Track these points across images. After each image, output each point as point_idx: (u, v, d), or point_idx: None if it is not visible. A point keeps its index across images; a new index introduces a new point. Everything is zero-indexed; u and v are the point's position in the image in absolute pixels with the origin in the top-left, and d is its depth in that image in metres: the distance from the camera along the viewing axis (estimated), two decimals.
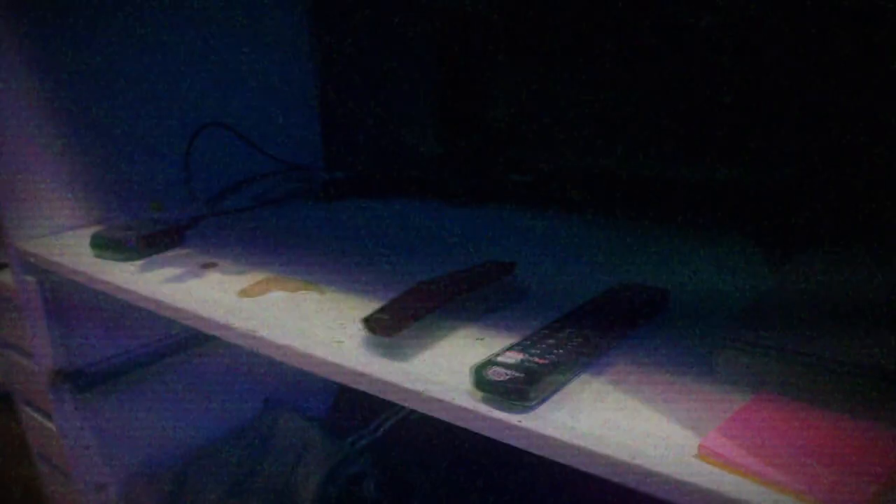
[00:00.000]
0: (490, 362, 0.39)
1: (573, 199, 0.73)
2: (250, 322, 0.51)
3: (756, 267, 0.56)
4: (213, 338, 0.53)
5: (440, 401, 0.39)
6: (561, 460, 0.35)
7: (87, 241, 0.70)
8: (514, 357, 0.39)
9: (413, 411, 0.41)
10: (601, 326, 0.44)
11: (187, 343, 0.88)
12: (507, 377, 0.37)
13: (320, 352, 0.46)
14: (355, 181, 0.89)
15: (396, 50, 0.92)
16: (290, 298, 0.55)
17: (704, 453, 0.32)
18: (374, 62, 0.94)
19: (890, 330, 0.37)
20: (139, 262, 0.67)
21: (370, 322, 0.45)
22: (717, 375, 0.38)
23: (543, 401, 0.38)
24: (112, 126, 0.81)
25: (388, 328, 0.44)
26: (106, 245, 0.68)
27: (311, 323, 0.50)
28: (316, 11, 0.98)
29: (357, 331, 0.48)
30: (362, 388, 0.43)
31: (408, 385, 0.41)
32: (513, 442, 0.37)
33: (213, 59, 0.88)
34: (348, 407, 1.02)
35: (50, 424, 0.91)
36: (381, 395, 0.42)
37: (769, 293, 0.45)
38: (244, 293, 0.57)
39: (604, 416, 0.36)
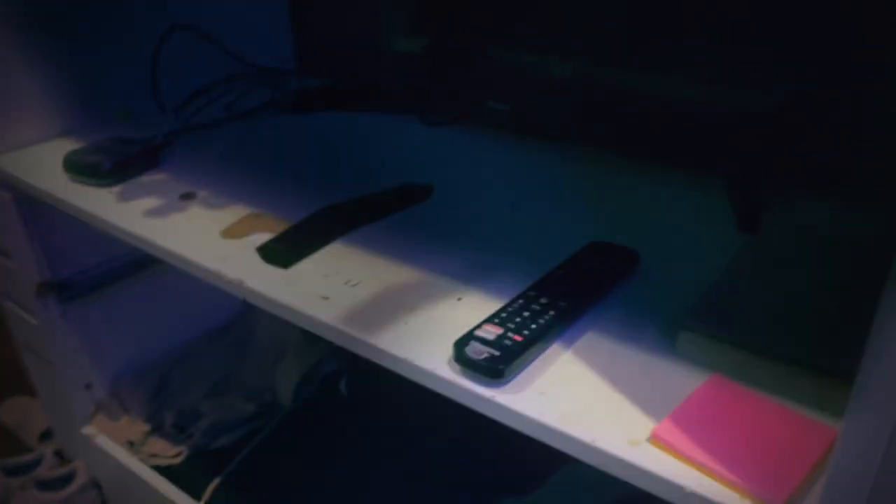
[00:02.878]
0: (470, 336, 0.43)
1: (552, 131, 0.74)
2: (237, 271, 0.53)
3: (727, 225, 0.58)
4: None
5: (423, 371, 0.43)
6: (529, 434, 0.39)
7: (59, 158, 0.70)
8: (492, 332, 0.43)
9: None
10: (573, 294, 0.47)
11: None
12: (485, 355, 0.41)
13: (308, 309, 0.49)
14: (328, 91, 0.87)
15: None
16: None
17: (655, 440, 0.36)
18: None
19: (829, 328, 0.40)
20: (116, 189, 0.67)
21: (265, 251, 0.46)
22: (678, 353, 0.42)
23: (517, 374, 0.42)
24: (76, 30, 0.77)
25: (283, 258, 0.46)
26: (80, 169, 0.68)
27: (296, 270, 0.53)
28: None
29: (342, 285, 0.51)
30: (349, 347, 0.47)
31: (394, 352, 0.44)
32: (487, 413, 0.41)
33: None
34: None
35: (35, 321, 0.93)
36: (369, 357, 0.46)
37: (732, 271, 0.48)
38: (227, 233, 0.59)
39: (571, 392, 0.40)
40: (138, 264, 0.86)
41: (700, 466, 0.35)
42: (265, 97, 0.87)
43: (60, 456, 1.18)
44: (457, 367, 0.42)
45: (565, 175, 0.68)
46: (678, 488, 0.34)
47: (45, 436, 1.25)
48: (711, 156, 0.67)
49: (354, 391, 0.91)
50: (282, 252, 0.46)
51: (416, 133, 0.78)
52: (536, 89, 0.77)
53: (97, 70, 0.80)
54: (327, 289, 0.51)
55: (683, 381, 0.40)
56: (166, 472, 0.80)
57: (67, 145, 0.76)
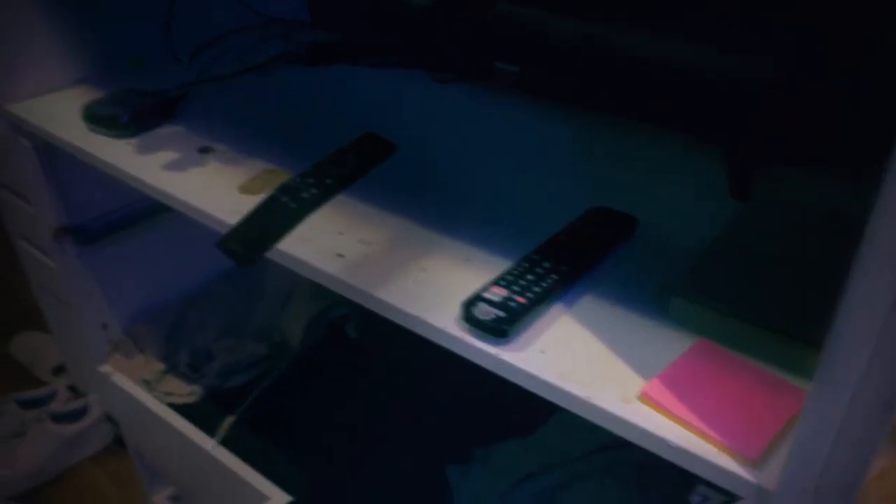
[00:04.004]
0: (478, 298, 0.46)
1: (558, 95, 0.76)
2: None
3: (725, 193, 0.61)
4: None
5: (434, 328, 0.46)
6: (531, 390, 0.43)
7: (76, 107, 0.72)
8: (498, 294, 0.46)
9: None
10: (574, 258, 0.50)
11: None
12: (492, 316, 0.44)
13: (324, 265, 0.52)
14: (341, 46, 0.88)
15: None
16: None
17: (645, 398, 0.40)
18: None
19: (808, 298, 0.44)
20: (134, 141, 0.69)
21: (226, 252, 0.49)
22: (669, 318, 0.46)
23: (521, 333, 0.45)
24: None
25: (244, 260, 0.48)
26: (99, 121, 0.70)
27: (313, 228, 0.56)
28: None
29: (356, 243, 0.54)
30: (364, 303, 0.50)
31: (408, 310, 0.47)
32: (492, 369, 0.44)
33: None
34: None
35: (51, 263, 0.97)
36: (383, 314, 0.49)
37: (723, 240, 0.51)
38: (244, 189, 0.61)
39: (569, 351, 0.44)
40: (153, 210, 0.88)
41: (684, 423, 0.38)
42: (277, 49, 0.88)
43: (73, 390, 1.23)
44: (464, 325, 0.46)
45: (569, 138, 0.70)
46: (663, 442, 0.38)
47: (58, 370, 1.30)
48: (711, 123, 0.69)
49: (361, 334, 0.95)
50: (241, 255, 0.48)
51: (424, 90, 0.80)
52: (543, 52, 0.78)
53: (110, 18, 0.81)
54: (342, 246, 0.54)
55: (673, 344, 0.44)
56: (181, 409, 0.84)
57: (83, 94, 0.77)
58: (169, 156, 0.66)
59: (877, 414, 0.29)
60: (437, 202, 0.59)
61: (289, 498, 0.74)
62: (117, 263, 0.89)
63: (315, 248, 0.53)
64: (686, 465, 0.38)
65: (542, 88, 0.78)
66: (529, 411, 0.79)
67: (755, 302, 0.44)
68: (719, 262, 0.49)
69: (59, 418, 1.19)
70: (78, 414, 1.20)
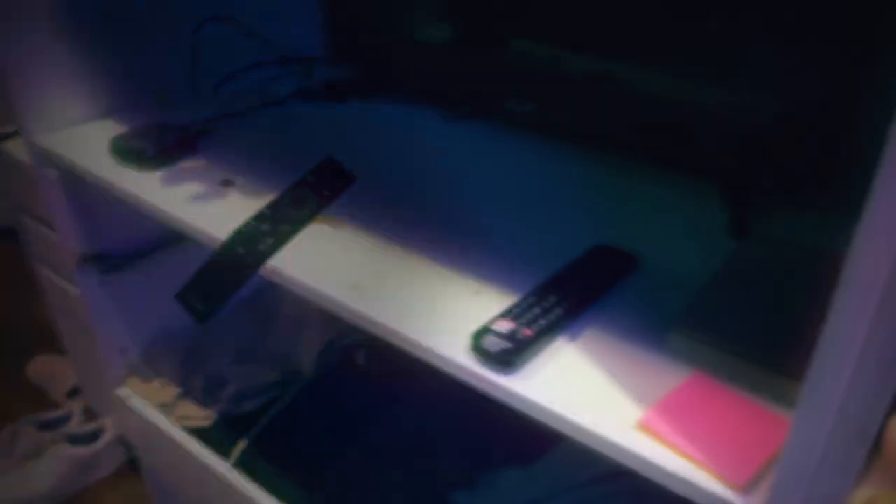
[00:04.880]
0: (486, 329, 0.49)
1: (568, 134, 0.79)
2: (279, 261, 0.59)
3: (723, 231, 0.63)
4: None
5: (443, 358, 0.49)
6: (537, 419, 0.45)
7: (103, 139, 0.76)
8: (505, 326, 0.49)
9: None
10: (578, 293, 0.53)
11: None
12: (500, 348, 0.47)
13: (336, 295, 0.55)
14: (355, 83, 0.92)
15: None
16: (306, 231, 0.63)
17: (642, 427, 0.42)
18: None
19: (796, 335, 0.46)
20: (158, 173, 0.73)
21: (186, 307, 0.50)
22: (667, 351, 0.48)
23: (527, 364, 0.48)
24: (119, 18, 0.82)
25: (203, 317, 0.50)
26: (125, 153, 0.74)
27: (330, 260, 0.59)
28: None
29: (370, 273, 0.57)
30: (375, 333, 0.53)
31: (418, 340, 0.50)
32: (499, 398, 0.47)
33: None
34: None
35: (73, 289, 1.00)
36: (395, 342, 0.52)
37: (720, 277, 0.54)
38: None
39: (572, 382, 0.46)
40: (173, 238, 0.92)
41: (678, 451, 0.41)
42: (296, 84, 0.92)
43: (88, 413, 1.26)
44: (473, 356, 0.48)
45: (575, 177, 0.73)
46: (658, 468, 0.40)
47: (73, 393, 1.33)
48: (712, 163, 0.72)
49: (371, 362, 0.98)
50: (200, 311, 0.50)
51: (436, 126, 0.84)
52: (551, 92, 0.82)
53: (135, 53, 0.85)
54: (355, 276, 0.56)
55: (670, 376, 0.47)
56: (196, 433, 0.87)
57: (110, 126, 0.81)
58: (192, 189, 0.70)
59: (852, 442, 0.32)
60: (446, 236, 0.62)
61: None
62: (137, 290, 0.92)
63: (328, 277, 0.56)
64: (679, 490, 0.40)
65: (550, 127, 0.81)
66: (535, 438, 0.81)
67: (748, 338, 0.47)
68: (716, 298, 0.51)
69: (74, 440, 1.22)
70: (93, 436, 1.23)
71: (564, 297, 0.52)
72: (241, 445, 0.84)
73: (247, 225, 0.55)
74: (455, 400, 0.89)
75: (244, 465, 0.82)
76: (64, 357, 1.39)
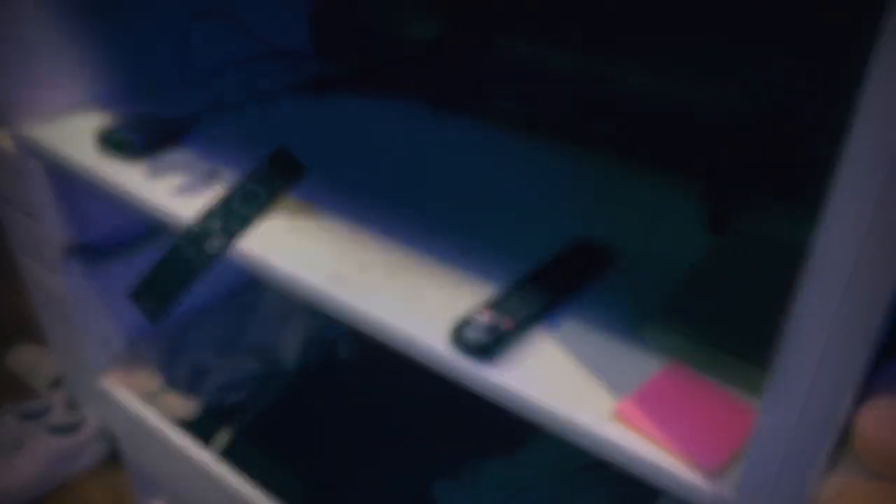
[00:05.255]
0: (466, 322, 0.50)
1: (553, 131, 0.80)
2: (262, 248, 0.59)
3: (702, 227, 0.65)
4: None
5: (422, 350, 0.50)
6: (515, 410, 0.47)
7: (87, 129, 0.76)
8: (486, 318, 0.50)
9: None
10: (557, 285, 0.54)
11: None
12: (480, 339, 0.48)
13: (322, 284, 0.55)
14: (343, 77, 0.93)
15: None
16: (291, 224, 0.63)
17: (619, 416, 0.44)
18: None
19: (767, 327, 0.48)
20: (144, 165, 0.73)
21: (140, 308, 0.51)
22: (643, 342, 0.50)
23: (506, 355, 0.49)
24: (106, 6, 0.82)
25: (155, 317, 0.51)
26: (112, 144, 0.74)
27: (312, 252, 0.59)
28: None
29: (352, 263, 0.58)
30: (359, 326, 0.54)
31: (398, 331, 0.51)
32: (477, 390, 0.48)
33: None
34: None
35: (56, 280, 0.99)
36: (375, 335, 0.53)
37: (698, 271, 0.55)
38: None
39: (550, 373, 0.48)
40: (159, 228, 0.92)
41: (652, 439, 0.42)
42: (283, 79, 0.92)
43: (70, 403, 1.26)
44: (453, 347, 0.49)
45: (559, 172, 0.74)
46: (634, 456, 0.42)
47: (55, 383, 1.33)
48: (691, 159, 0.74)
49: (353, 354, 0.99)
50: (152, 312, 0.50)
51: (424, 121, 0.84)
52: (535, 90, 0.83)
53: (123, 42, 0.85)
54: (339, 267, 0.57)
55: (646, 366, 0.48)
56: (180, 424, 0.87)
57: (94, 116, 0.81)
58: (177, 180, 0.70)
59: (818, 427, 0.33)
60: (429, 228, 0.63)
61: None
62: (121, 280, 0.92)
63: (311, 267, 0.57)
64: (652, 477, 0.41)
65: (535, 123, 0.82)
66: (518, 429, 0.83)
67: (723, 330, 0.48)
68: (693, 291, 0.53)
69: (56, 431, 1.21)
70: (75, 427, 1.22)
71: (544, 289, 0.53)
72: (225, 437, 0.85)
73: (197, 224, 0.55)
74: (437, 390, 0.90)
75: (228, 456, 0.83)
76: (45, 348, 1.39)
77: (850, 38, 0.62)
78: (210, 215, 0.57)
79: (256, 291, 1.03)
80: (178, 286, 0.49)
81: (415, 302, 0.54)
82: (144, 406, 0.90)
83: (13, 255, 1.13)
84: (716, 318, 0.49)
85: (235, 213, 0.59)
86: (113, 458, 1.23)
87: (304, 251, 0.60)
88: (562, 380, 0.47)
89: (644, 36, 0.75)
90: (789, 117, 0.69)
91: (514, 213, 0.66)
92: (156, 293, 0.48)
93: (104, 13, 0.82)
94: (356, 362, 0.98)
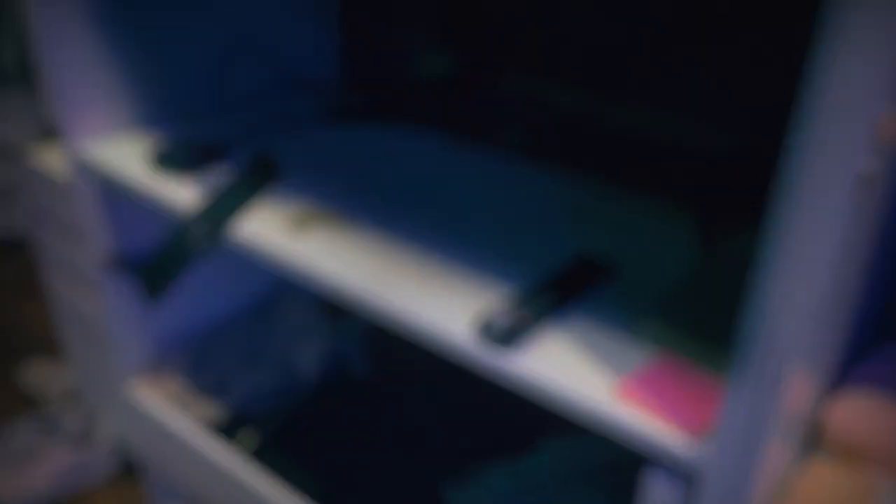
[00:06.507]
0: (491, 316, 0.58)
1: (555, 158, 0.90)
2: (303, 258, 0.68)
3: (692, 247, 0.74)
4: None
5: (447, 343, 0.58)
6: (532, 398, 0.55)
7: (135, 148, 0.85)
8: (508, 314, 0.59)
9: None
10: (564, 290, 0.63)
11: None
12: (504, 328, 0.57)
13: (359, 284, 0.64)
14: (371, 106, 1.02)
15: None
16: (332, 236, 0.72)
17: (619, 392, 0.52)
18: None
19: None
20: (194, 184, 0.81)
21: (144, 288, 0.60)
22: (640, 335, 0.59)
23: (524, 346, 0.57)
24: (149, 36, 0.90)
25: (152, 295, 0.59)
26: (165, 161, 0.82)
27: (351, 259, 0.68)
28: None
29: (384, 272, 0.66)
30: (391, 323, 0.62)
31: (426, 323, 0.60)
32: (498, 380, 0.56)
33: None
34: None
35: (91, 293, 1.05)
36: (406, 331, 0.61)
37: (689, 281, 0.65)
38: (294, 226, 0.73)
39: (562, 358, 0.56)
40: None
41: (646, 408, 0.51)
42: (312, 107, 1.02)
43: (84, 416, 1.31)
44: (478, 337, 0.58)
45: (564, 198, 0.82)
46: (630, 423, 0.50)
47: (67, 395, 1.38)
48: (684, 187, 0.84)
49: (369, 371, 1.07)
50: (150, 288, 0.59)
51: (441, 148, 0.93)
52: (543, 122, 0.94)
53: (162, 69, 0.93)
54: (374, 272, 0.66)
55: (643, 354, 0.57)
56: (207, 432, 0.94)
57: (137, 138, 0.89)
58: None
59: (769, 395, 0.42)
60: (446, 240, 0.72)
61: None
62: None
63: (349, 271, 0.65)
64: (645, 447, 0.50)
65: (542, 152, 0.92)
66: (524, 432, 0.90)
67: (705, 324, 0.57)
68: (681, 296, 0.62)
69: (69, 443, 1.26)
70: (88, 439, 1.27)
71: (553, 293, 0.62)
72: (248, 446, 0.92)
73: (193, 215, 0.67)
74: (445, 394, 0.98)
75: (259, 459, 0.89)
76: (58, 360, 1.44)
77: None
78: (204, 208, 0.67)
79: (278, 306, 1.10)
80: (177, 269, 0.59)
81: (438, 300, 0.62)
82: (171, 415, 0.96)
83: (34, 273, 1.19)
84: (700, 316, 0.59)
85: (224, 206, 0.70)
86: (126, 472, 1.28)
87: (342, 259, 0.68)
88: (570, 363, 0.56)
89: (640, 77, 0.86)
90: (764, 150, 0.80)
91: (522, 231, 0.75)
92: (157, 274, 0.58)
93: (146, 44, 0.90)
94: (371, 377, 1.06)
